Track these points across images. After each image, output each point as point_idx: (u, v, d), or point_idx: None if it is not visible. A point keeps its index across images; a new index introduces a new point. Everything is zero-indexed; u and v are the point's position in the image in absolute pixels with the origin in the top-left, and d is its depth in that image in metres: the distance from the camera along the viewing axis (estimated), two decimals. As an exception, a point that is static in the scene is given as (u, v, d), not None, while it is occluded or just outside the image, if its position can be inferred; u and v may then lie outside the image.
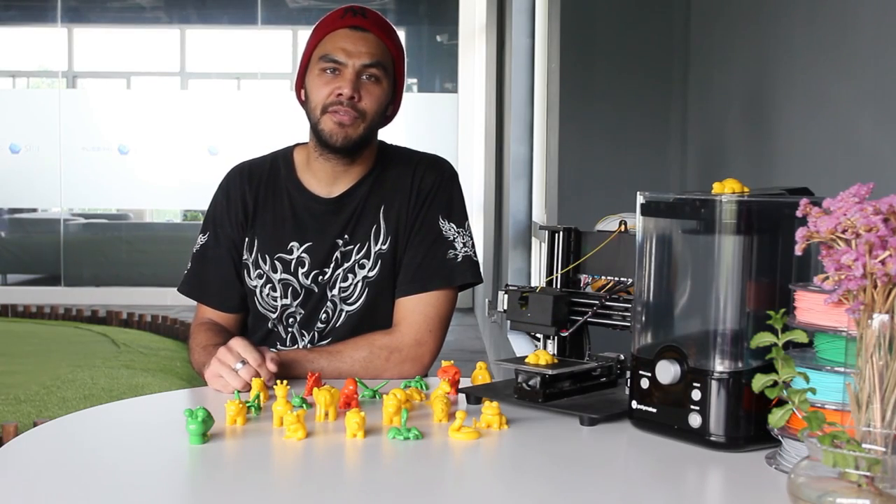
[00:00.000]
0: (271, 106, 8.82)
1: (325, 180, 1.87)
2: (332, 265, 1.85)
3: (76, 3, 9.35)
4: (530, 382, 1.49)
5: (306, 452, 1.30)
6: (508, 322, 1.75)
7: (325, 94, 1.79)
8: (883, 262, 1.02)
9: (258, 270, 1.88)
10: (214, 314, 1.91)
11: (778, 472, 1.19)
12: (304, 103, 1.85)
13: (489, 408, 1.39)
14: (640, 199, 1.37)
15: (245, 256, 1.89)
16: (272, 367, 1.60)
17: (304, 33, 9.27)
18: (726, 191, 1.29)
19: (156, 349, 5.62)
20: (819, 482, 1.00)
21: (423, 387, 1.62)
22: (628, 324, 1.49)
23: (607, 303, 1.54)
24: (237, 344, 1.61)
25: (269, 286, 1.87)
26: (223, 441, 1.33)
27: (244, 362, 1.59)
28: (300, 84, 1.87)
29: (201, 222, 1.97)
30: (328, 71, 1.79)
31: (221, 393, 1.60)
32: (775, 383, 1.15)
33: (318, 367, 1.72)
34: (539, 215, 4.92)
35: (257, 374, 1.58)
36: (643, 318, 1.38)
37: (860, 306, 1.05)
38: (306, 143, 1.91)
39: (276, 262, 1.87)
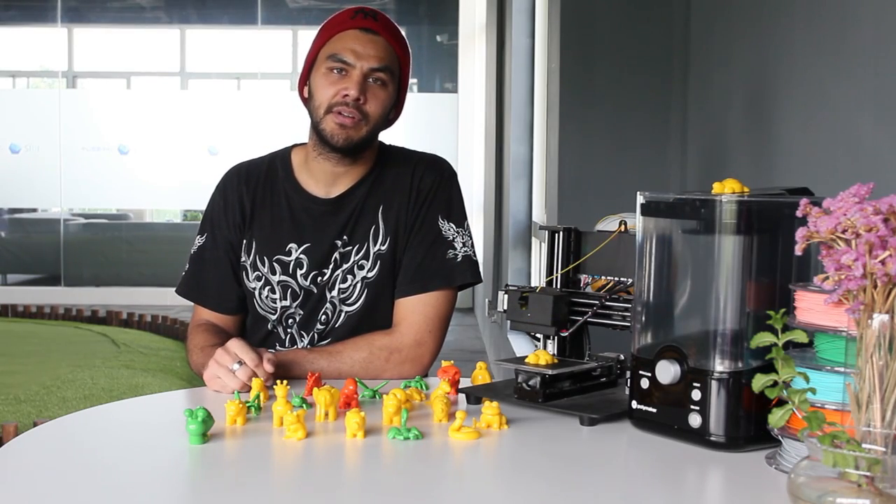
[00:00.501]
0: (271, 106, 8.82)
1: (323, 181, 1.87)
2: (330, 266, 1.85)
3: (76, 3, 9.35)
4: (530, 382, 1.49)
5: (306, 452, 1.30)
6: (508, 322, 1.75)
7: (330, 94, 1.78)
8: (883, 262, 1.02)
9: (257, 272, 1.87)
10: (212, 315, 1.90)
11: (778, 472, 1.19)
12: (307, 101, 1.84)
13: (489, 408, 1.39)
14: (640, 199, 1.37)
15: (243, 258, 1.89)
16: (269, 367, 1.60)
17: (304, 33, 9.29)
18: (726, 191, 1.29)
19: (156, 349, 5.62)
20: (819, 482, 1.00)
21: (423, 387, 1.61)
22: (628, 324, 1.49)
23: (607, 303, 1.54)
24: (234, 345, 1.61)
25: (268, 288, 1.87)
26: (223, 441, 1.33)
27: (241, 363, 1.59)
28: (304, 81, 1.86)
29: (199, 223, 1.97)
30: (335, 71, 1.79)
31: (221, 393, 1.60)
32: (775, 383, 1.15)
33: (318, 367, 1.72)
34: (539, 215, 4.92)
35: (255, 375, 1.58)
36: (643, 318, 1.38)
37: (860, 306, 1.05)
38: (304, 143, 1.91)
39: (274, 263, 1.86)
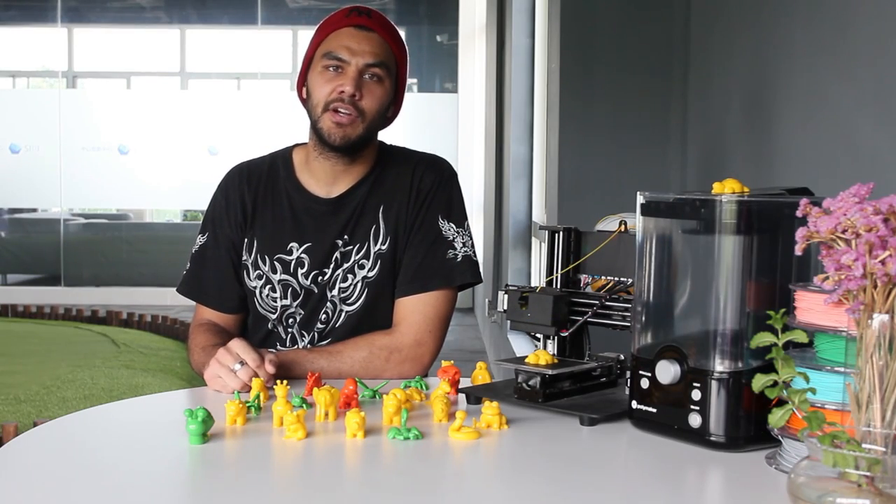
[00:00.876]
0: (271, 106, 8.82)
1: (324, 180, 1.87)
2: (331, 266, 1.85)
3: (76, 3, 9.35)
4: (530, 382, 1.49)
5: (306, 452, 1.30)
6: (508, 322, 1.75)
7: (326, 92, 1.78)
8: (883, 262, 1.02)
9: (258, 271, 1.88)
10: (213, 315, 1.91)
11: (778, 472, 1.19)
12: (306, 101, 1.85)
13: (489, 408, 1.39)
14: (640, 199, 1.37)
15: (244, 257, 1.89)
16: (270, 368, 1.60)
17: (304, 33, 9.29)
18: (726, 191, 1.29)
19: (156, 349, 5.62)
20: (819, 482, 1.00)
21: (423, 387, 1.62)
22: (628, 324, 1.49)
23: (607, 303, 1.54)
24: (236, 345, 1.61)
25: (268, 287, 1.87)
26: (223, 441, 1.33)
27: (243, 363, 1.59)
28: (302, 82, 1.87)
29: (201, 222, 1.97)
30: (331, 69, 1.79)
31: (221, 393, 1.60)
32: (775, 383, 1.15)
33: (318, 367, 1.72)
34: (539, 215, 4.92)
35: (256, 375, 1.58)
36: (643, 318, 1.38)
37: (860, 306, 1.05)
38: (305, 143, 1.91)
39: (275, 262, 1.87)
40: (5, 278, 9.25)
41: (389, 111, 1.87)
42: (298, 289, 1.86)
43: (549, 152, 3.87)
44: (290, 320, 1.87)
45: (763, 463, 1.23)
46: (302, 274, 1.86)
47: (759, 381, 1.17)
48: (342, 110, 1.77)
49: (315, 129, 1.82)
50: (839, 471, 0.99)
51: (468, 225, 1.90)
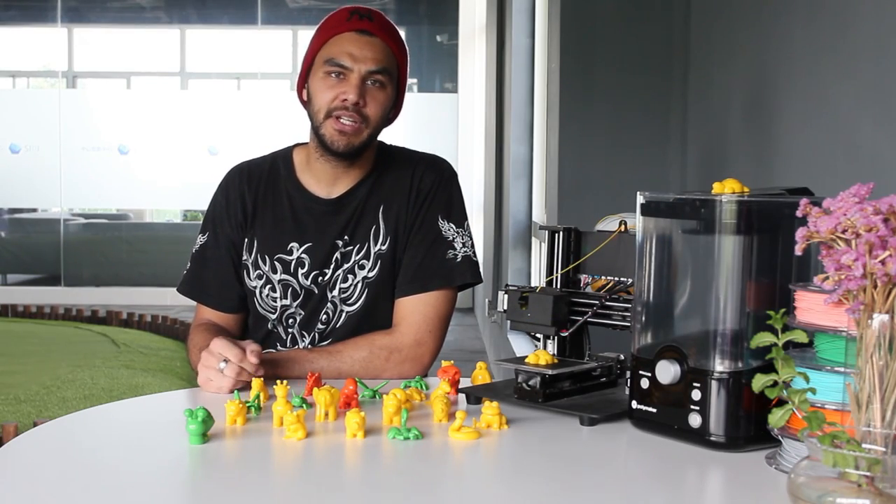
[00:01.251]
0: (271, 106, 8.82)
1: (324, 181, 1.87)
2: (332, 266, 1.85)
3: (76, 3, 9.35)
4: (530, 382, 1.49)
5: (306, 452, 1.30)
6: (508, 322, 1.75)
7: (329, 99, 1.78)
8: (883, 262, 1.02)
9: (258, 271, 1.88)
10: (213, 314, 1.91)
11: (778, 472, 1.19)
12: (307, 104, 1.84)
13: (489, 408, 1.39)
14: (640, 199, 1.37)
15: (245, 257, 1.89)
16: (253, 358, 1.59)
17: (304, 33, 9.29)
18: (726, 191, 1.29)
19: (156, 349, 5.62)
20: (819, 482, 1.00)
21: (423, 387, 1.62)
22: (628, 324, 1.49)
23: (607, 303, 1.54)
24: (217, 345, 1.60)
25: (268, 287, 1.87)
26: (223, 441, 1.33)
27: (227, 361, 1.59)
28: (302, 84, 1.86)
29: (201, 222, 1.97)
30: (333, 75, 1.78)
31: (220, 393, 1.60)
32: (775, 383, 1.15)
33: (317, 367, 1.72)
34: (539, 215, 4.92)
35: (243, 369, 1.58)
36: (643, 318, 1.38)
37: (860, 306, 1.05)
38: (306, 143, 1.91)
39: (275, 262, 1.87)
40: (5, 278, 9.25)
41: (390, 112, 1.87)
42: (298, 289, 1.86)
43: (549, 152, 3.87)
44: (291, 320, 1.87)
45: (763, 463, 1.23)
46: (302, 274, 1.86)
47: (759, 381, 1.17)
48: (346, 119, 1.77)
49: (317, 134, 1.82)
50: (839, 471, 0.99)
51: (468, 225, 1.90)
